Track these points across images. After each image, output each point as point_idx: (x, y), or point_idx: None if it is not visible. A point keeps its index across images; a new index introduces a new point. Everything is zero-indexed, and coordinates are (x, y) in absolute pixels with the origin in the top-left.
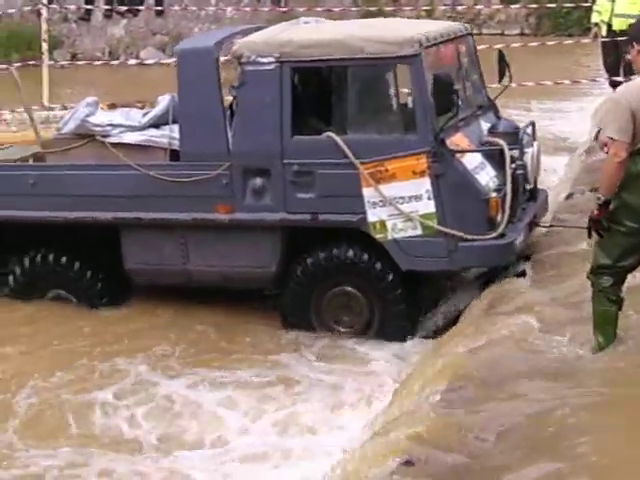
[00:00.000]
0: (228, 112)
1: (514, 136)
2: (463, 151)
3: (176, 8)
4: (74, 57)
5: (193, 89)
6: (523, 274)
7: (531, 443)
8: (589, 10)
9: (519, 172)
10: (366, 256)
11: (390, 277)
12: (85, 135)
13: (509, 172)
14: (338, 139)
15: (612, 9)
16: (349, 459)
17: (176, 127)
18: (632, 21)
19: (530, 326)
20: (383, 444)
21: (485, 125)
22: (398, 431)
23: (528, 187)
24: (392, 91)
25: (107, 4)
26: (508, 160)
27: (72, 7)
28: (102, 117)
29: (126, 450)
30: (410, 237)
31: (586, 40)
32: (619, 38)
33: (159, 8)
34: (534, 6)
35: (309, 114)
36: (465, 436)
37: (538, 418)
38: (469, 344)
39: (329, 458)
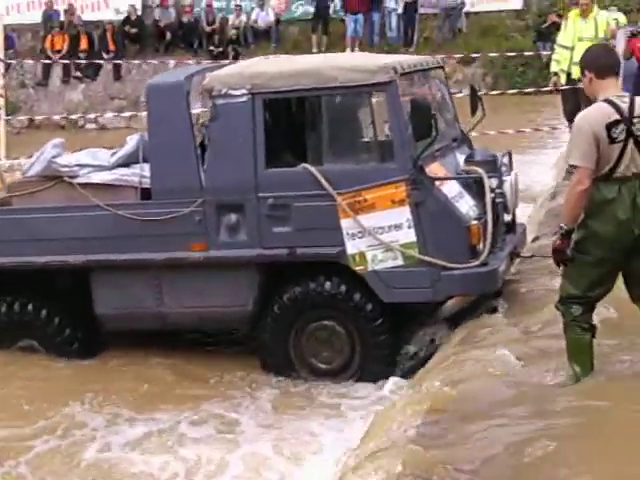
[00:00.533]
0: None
1: (492, 164)
2: (443, 178)
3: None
4: (32, 122)
5: (163, 124)
6: (495, 310)
7: (510, 474)
8: (543, 70)
9: (498, 200)
10: (346, 289)
11: (372, 310)
12: (52, 177)
13: (489, 199)
14: (314, 170)
15: (571, 57)
16: None
17: (146, 166)
18: None
19: (505, 359)
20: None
21: (461, 157)
22: (375, 465)
23: (507, 217)
24: (368, 119)
25: (64, 71)
26: (487, 188)
27: (29, 62)
28: (69, 158)
29: None
30: (391, 268)
31: (546, 88)
32: (578, 86)
33: (119, 61)
34: (494, 54)
35: (283, 146)
36: (444, 469)
37: (516, 449)
38: (445, 378)
39: None
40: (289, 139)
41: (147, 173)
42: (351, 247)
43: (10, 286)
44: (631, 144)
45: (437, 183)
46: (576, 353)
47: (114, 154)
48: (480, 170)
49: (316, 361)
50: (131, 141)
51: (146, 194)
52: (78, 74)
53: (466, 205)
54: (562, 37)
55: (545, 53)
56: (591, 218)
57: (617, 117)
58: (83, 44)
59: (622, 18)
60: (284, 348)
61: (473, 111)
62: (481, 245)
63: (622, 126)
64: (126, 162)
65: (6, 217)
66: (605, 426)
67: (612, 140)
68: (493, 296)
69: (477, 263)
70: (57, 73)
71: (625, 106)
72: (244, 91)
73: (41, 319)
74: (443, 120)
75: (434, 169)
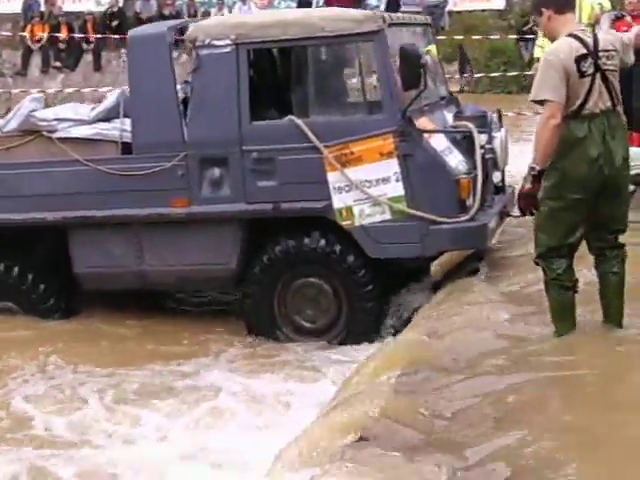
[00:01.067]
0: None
1: (482, 120)
2: (432, 131)
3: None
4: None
5: (145, 76)
6: (477, 272)
7: (490, 420)
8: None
9: (488, 156)
10: (335, 246)
11: (359, 267)
12: (31, 131)
13: (479, 154)
14: (300, 122)
15: None
16: (300, 438)
17: (127, 120)
18: None
19: (486, 315)
20: (335, 422)
21: (449, 115)
22: (351, 410)
23: (497, 176)
24: (355, 70)
25: (43, 60)
26: (477, 142)
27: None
28: (48, 112)
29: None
30: (379, 223)
31: (529, 72)
32: None
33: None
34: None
35: (268, 98)
36: (421, 414)
37: (497, 397)
38: (426, 332)
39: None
40: (274, 91)
41: (128, 127)
42: (338, 201)
43: None
44: (598, 79)
45: (426, 136)
46: (558, 312)
47: (94, 108)
48: (470, 125)
49: (300, 319)
50: (112, 96)
51: (127, 149)
52: (57, 64)
53: (455, 159)
54: None
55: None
56: (562, 159)
57: (584, 51)
58: (63, 34)
59: (606, 3)
60: (269, 304)
61: (462, 71)
62: (471, 200)
63: (590, 60)
64: (107, 117)
65: None
66: (587, 376)
67: (582, 74)
68: (475, 259)
69: (467, 217)
70: (36, 63)
71: (590, 40)
72: (228, 41)
73: (27, 284)
74: (431, 78)
75: (422, 123)
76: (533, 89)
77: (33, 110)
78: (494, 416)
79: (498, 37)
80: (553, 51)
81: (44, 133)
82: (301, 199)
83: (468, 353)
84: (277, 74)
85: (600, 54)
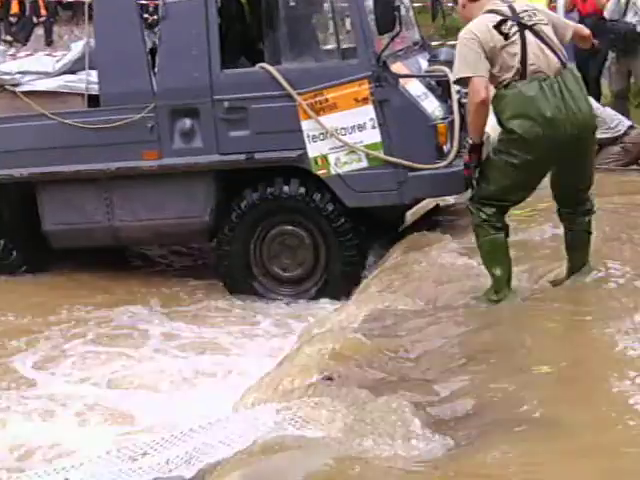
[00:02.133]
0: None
1: None
2: (408, 76)
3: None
4: None
5: (111, 27)
6: (436, 224)
7: (453, 360)
8: None
9: (464, 101)
10: (309, 194)
11: (338, 216)
12: None
13: (455, 98)
14: (272, 69)
15: None
16: (265, 377)
17: (93, 72)
18: None
19: (447, 263)
20: (299, 363)
21: (422, 60)
22: (314, 350)
23: None
24: (328, 15)
25: None
26: (453, 87)
27: None
28: (11, 65)
29: None
30: (355, 171)
31: None
32: None
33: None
34: None
35: (239, 46)
36: (386, 355)
37: (462, 339)
38: (387, 282)
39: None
40: (245, 38)
41: (94, 79)
42: (312, 150)
43: None
44: (530, 35)
45: (402, 81)
46: (492, 253)
47: (59, 61)
48: (445, 69)
49: (278, 269)
50: (76, 47)
51: (94, 102)
52: (8, 38)
53: (431, 105)
54: None
55: None
56: (513, 119)
57: (501, 18)
58: (14, 8)
59: None
60: (245, 254)
61: (434, 16)
62: (448, 145)
63: (510, 22)
64: (72, 69)
65: None
66: (549, 320)
67: (506, 36)
68: (434, 213)
69: (445, 164)
70: None
71: (505, 8)
72: None
73: None
74: (404, 22)
75: (398, 68)
76: (454, 70)
77: None
78: (458, 357)
79: None
80: (466, 30)
81: (7, 87)
82: (275, 149)
83: (432, 299)
84: (247, 21)
85: (520, 15)
